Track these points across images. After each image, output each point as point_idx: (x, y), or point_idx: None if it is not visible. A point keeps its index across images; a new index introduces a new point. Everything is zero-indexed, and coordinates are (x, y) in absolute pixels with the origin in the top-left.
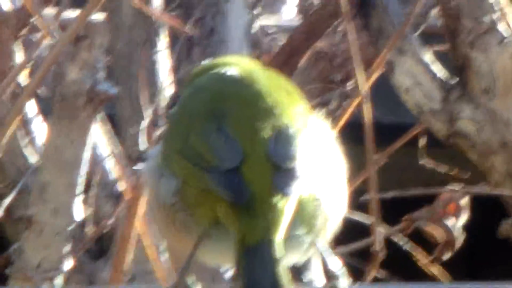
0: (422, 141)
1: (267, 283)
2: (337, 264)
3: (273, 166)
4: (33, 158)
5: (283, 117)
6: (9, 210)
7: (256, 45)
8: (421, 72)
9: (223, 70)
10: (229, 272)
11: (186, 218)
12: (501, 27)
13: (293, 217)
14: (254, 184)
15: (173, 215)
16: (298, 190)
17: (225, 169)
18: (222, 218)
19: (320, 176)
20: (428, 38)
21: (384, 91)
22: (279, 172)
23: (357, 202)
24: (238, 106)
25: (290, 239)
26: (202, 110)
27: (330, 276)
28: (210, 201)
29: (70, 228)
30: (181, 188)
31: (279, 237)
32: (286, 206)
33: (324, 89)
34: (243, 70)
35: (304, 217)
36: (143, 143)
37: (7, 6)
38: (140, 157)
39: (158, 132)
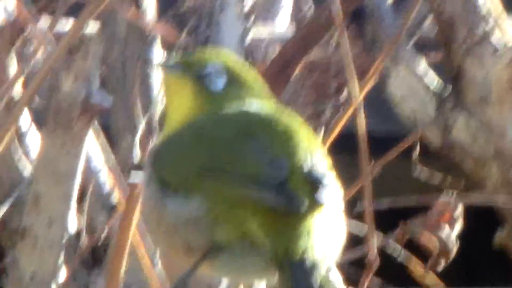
0: (416, 152)
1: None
2: (334, 272)
3: (312, 183)
4: (27, 169)
5: (308, 143)
6: (3, 221)
7: (250, 56)
8: (415, 81)
9: (237, 107)
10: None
11: (202, 234)
12: (496, 36)
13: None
14: (301, 196)
15: (182, 233)
16: (335, 203)
17: (274, 182)
18: (255, 232)
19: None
20: (422, 47)
21: (377, 101)
22: (319, 186)
23: (352, 211)
24: (269, 132)
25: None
26: (233, 134)
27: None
28: (242, 216)
29: (64, 239)
30: (206, 205)
31: (320, 252)
32: (325, 221)
33: (318, 99)
34: (254, 104)
35: (328, 235)
36: (137, 154)
37: (1, 17)
38: (135, 168)
39: (152, 143)
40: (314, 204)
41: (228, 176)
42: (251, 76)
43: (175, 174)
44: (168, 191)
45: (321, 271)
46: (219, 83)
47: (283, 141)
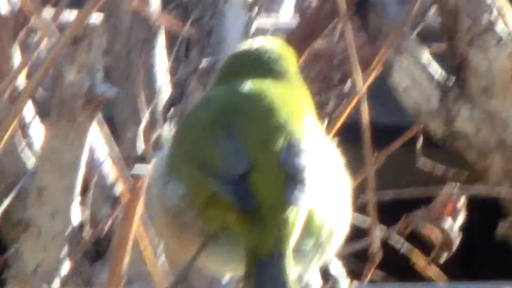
0: (419, 142)
1: None
2: (337, 266)
3: (284, 176)
4: (31, 161)
5: (294, 131)
6: (6, 213)
7: None
8: (419, 72)
9: (236, 83)
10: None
11: (193, 223)
12: (499, 26)
13: (302, 230)
14: (264, 193)
15: (178, 219)
16: (309, 202)
17: (231, 176)
18: (231, 225)
19: (328, 190)
20: (426, 38)
21: (381, 91)
22: (291, 183)
23: (355, 203)
24: (249, 118)
25: (298, 252)
26: (212, 119)
27: (330, 278)
28: (219, 207)
29: (67, 231)
30: (189, 193)
31: (289, 249)
32: (297, 218)
33: (322, 90)
34: (257, 82)
35: (311, 230)
36: (140, 146)
37: (5, 8)
38: (138, 159)
39: (156, 134)
40: (283, 200)
41: (198, 165)
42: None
43: (174, 156)
44: (171, 175)
45: (290, 270)
46: None
47: (260, 128)
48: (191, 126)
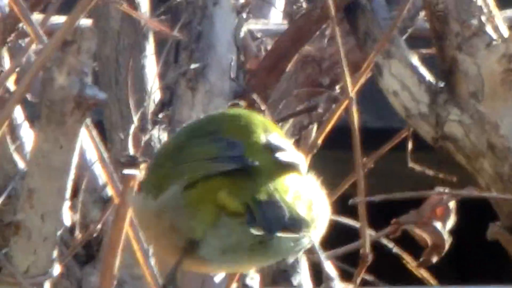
0: (410, 145)
1: (283, 218)
2: (330, 268)
3: (270, 150)
4: (21, 163)
5: (268, 127)
6: None
7: (244, 50)
8: (409, 75)
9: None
10: (218, 276)
11: (185, 220)
12: (489, 30)
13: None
14: (258, 160)
15: (168, 217)
16: (295, 163)
17: (229, 155)
18: (226, 200)
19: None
20: (415, 41)
21: (371, 95)
22: (276, 152)
23: (345, 206)
24: (230, 124)
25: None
26: (196, 133)
27: (324, 279)
28: (214, 192)
29: (58, 233)
30: (178, 194)
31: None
32: (285, 174)
33: (312, 93)
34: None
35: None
36: (130, 149)
37: None
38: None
39: (145, 138)
40: (274, 164)
41: (196, 162)
42: None
43: (158, 176)
44: (150, 192)
45: (291, 209)
46: None
47: (239, 130)
48: (169, 147)
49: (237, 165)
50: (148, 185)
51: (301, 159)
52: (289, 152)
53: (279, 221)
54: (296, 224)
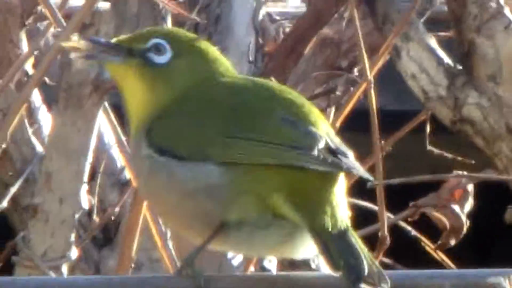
0: (428, 128)
1: (363, 268)
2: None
3: (335, 154)
4: (39, 147)
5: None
6: (15, 199)
7: (262, 32)
8: (427, 58)
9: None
10: (236, 259)
11: (219, 203)
12: (507, 12)
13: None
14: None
15: (200, 201)
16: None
17: (312, 151)
18: (281, 203)
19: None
20: (433, 24)
21: (389, 78)
22: (344, 158)
23: (363, 189)
24: (286, 100)
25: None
26: (251, 100)
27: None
28: (268, 186)
29: (76, 216)
30: (222, 174)
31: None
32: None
33: (330, 76)
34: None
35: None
36: None
37: None
38: None
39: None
40: (336, 168)
41: (261, 143)
42: (204, 47)
43: (187, 143)
44: (177, 161)
45: (355, 241)
46: (164, 57)
47: (306, 115)
48: (219, 110)
49: (331, 168)
50: (173, 142)
51: (359, 167)
52: (351, 159)
53: (360, 274)
54: (374, 281)
